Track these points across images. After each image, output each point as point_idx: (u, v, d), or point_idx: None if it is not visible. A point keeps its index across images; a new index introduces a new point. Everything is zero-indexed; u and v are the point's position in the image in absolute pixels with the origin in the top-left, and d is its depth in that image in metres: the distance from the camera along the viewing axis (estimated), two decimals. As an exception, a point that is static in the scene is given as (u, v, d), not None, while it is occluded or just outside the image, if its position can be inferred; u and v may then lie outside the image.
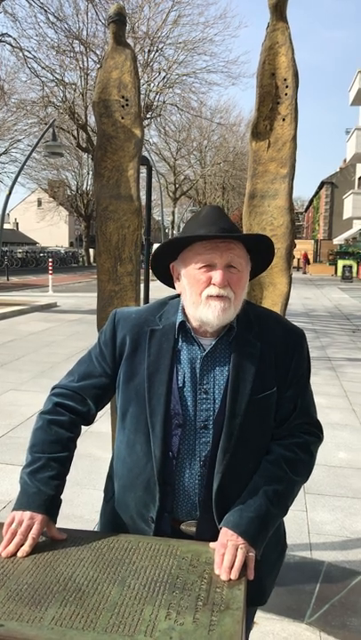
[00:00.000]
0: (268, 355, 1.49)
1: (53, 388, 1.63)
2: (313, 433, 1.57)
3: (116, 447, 1.63)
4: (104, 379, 1.58)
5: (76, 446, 1.58)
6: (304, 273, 40.30)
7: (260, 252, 1.51)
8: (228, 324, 1.47)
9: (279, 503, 1.46)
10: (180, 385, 1.48)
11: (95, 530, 1.66)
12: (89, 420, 1.62)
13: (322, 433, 1.60)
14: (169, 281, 1.58)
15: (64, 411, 1.56)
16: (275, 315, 1.62)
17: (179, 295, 1.55)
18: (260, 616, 2.53)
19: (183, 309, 1.51)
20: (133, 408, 1.52)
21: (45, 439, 1.52)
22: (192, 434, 1.47)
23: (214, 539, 1.42)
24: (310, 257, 49.21)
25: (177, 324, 1.51)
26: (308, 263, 42.52)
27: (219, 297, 1.40)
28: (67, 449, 1.54)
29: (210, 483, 1.46)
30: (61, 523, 1.48)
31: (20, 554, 1.34)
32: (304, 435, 1.54)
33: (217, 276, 1.39)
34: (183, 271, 1.47)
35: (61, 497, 1.50)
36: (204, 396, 1.47)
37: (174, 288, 1.56)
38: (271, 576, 1.62)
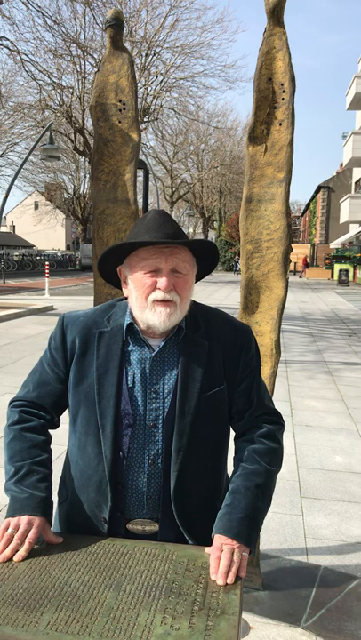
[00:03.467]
0: (217, 353, 1.53)
1: (11, 402, 1.63)
2: (274, 422, 1.60)
3: (68, 450, 1.64)
4: (58, 384, 1.59)
5: (51, 450, 1.59)
6: (300, 277, 40.39)
7: (205, 254, 1.55)
8: (175, 326, 1.49)
9: (263, 496, 1.48)
10: (130, 385, 1.50)
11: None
12: (54, 425, 1.64)
13: (282, 420, 1.63)
14: (116, 283, 1.61)
15: (31, 417, 1.58)
16: (221, 313, 1.66)
17: (127, 297, 1.57)
18: (256, 620, 2.52)
19: (131, 311, 1.53)
20: (84, 410, 1.53)
21: (23, 447, 1.52)
22: (141, 433, 1.49)
23: (178, 539, 1.45)
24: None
25: (125, 325, 1.53)
26: (308, 267, 42.61)
27: (164, 302, 1.43)
28: (45, 451, 1.55)
29: (166, 483, 1.48)
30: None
31: (16, 558, 1.34)
32: (266, 424, 1.57)
33: (162, 281, 1.42)
34: (130, 275, 1.49)
35: (52, 499, 1.50)
36: (154, 396, 1.49)
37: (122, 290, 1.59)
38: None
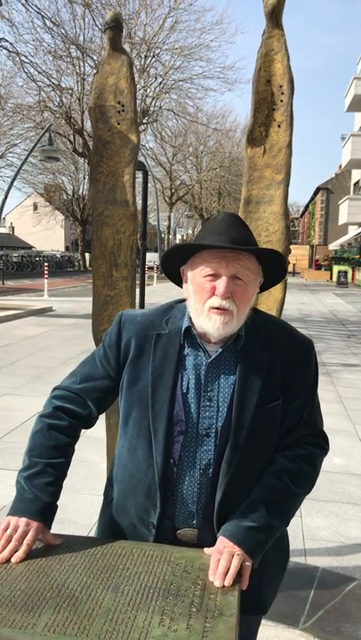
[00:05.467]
0: (275, 365, 1.47)
1: (54, 390, 1.61)
2: (318, 445, 1.54)
3: (117, 452, 1.61)
4: (107, 381, 1.56)
5: (74, 451, 1.57)
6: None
7: (270, 265, 1.48)
8: (234, 333, 1.45)
9: (279, 515, 1.44)
10: (184, 391, 1.46)
11: (91, 534, 1.65)
12: (90, 424, 1.60)
13: (328, 445, 1.57)
14: (179, 282, 1.56)
15: (64, 415, 1.55)
16: (283, 324, 1.59)
17: (185, 299, 1.52)
18: (254, 622, 2.52)
19: (189, 315, 1.49)
20: (136, 413, 1.50)
21: (44, 444, 1.51)
22: (193, 441, 1.45)
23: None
24: (306, 262, 49.37)
25: (183, 329, 1.49)
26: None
27: (220, 309, 1.38)
28: (65, 454, 1.53)
29: (212, 493, 1.45)
30: (55, 528, 1.48)
31: (13, 560, 1.33)
32: (309, 446, 1.52)
33: (221, 286, 1.38)
34: (190, 276, 1.46)
35: (57, 503, 1.49)
36: (208, 404, 1.45)
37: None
38: (273, 586, 1.60)
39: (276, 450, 1.50)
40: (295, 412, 1.49)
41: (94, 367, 1.59)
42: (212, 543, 1.42)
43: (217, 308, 1.38)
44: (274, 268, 1.50)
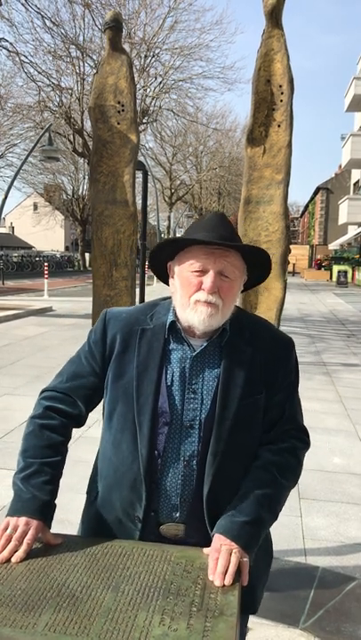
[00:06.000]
0: (258, 361, 1.51)
1: (42, 392, 1.63)
2: (301, 439, 1.58)
3: (101, 447, 1.62)
4: (93, 378, 1.58)
5: (67, 450, 1.58)
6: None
7: (256, 264, 1.53)
8: (219, 327, 1.49)
9: (270, 508, 1.46)
10: (169, 383, 1.49)
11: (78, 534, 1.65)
12: (80, 422, 1.62)
13: (309, 439, 1.62)
14: (165, 278, 1.60)
15: (55, 414, 1.57)
16: (265, 322, 1.65)
17: (170, 297, 1.57)
18: (254, 622, 2.52)
19: (174, 310, 1.53)
20: (121, 407, 1.52)
21: (37, 444, 1.52)
22: (178, 433, 1.48)
23: (203, 543, 1.42)
24: (306, 262, 49.37)
25: (167, 323, 1.53)
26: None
27: (206, 303, 1.42)
28: (59, 453, 1.54)
29: (198, 486, 1.47)
30: (55, 528, 1.48)
31: (14, 559, 1.34)
32: (292, 440, 1.56)
33: (207, 281, 1.42)
34: (177, 271, 1.49)
35: (55, 501, 1.49)
36: (192, 396, 1.48)
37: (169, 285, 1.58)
38: (261, 583, 1.62)
39: (260, 444, 1.54)
40: (277, 406, 1.54)
41: (80, 365, 1.61)
42: (200, 541, 1.44)
43: (204, 302, 1.42)
44: (258, 268, 1.55)
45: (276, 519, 1.50)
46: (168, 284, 1.58)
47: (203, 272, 1.43)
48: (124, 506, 1.52)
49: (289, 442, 1.55)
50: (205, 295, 1.42)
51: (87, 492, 1.67)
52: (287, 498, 1.54)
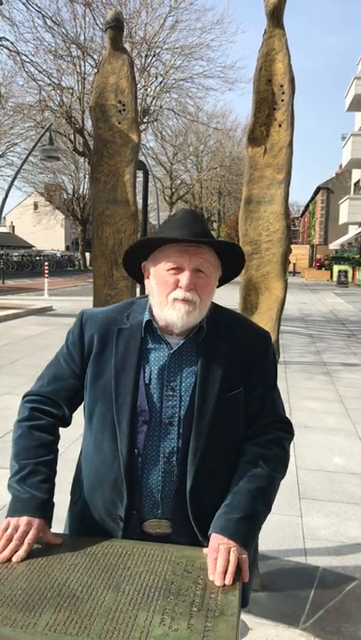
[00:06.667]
0: (235, 356, 1.52)
1: (25, 396, 1.64)
2: (284, 430, 1.60)
3: (83, 448, 1.63)
4: (73, 380, 1.59)
5: (58, 450, 1.59)
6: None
7: (230, 258, 1.55)
8: (196, 325, 1.50)
9: (264, 501, 1.47)
10: (147, 382, 1.50)
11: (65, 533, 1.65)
12: (66, 422, 1.63)
13: (292, 429, 1.63)
14: (140, 278, 1.61)
15: (41, 415, 1.58)
16: (240, 317, 1.67)
17: (146, 295, 1.57)
18: (254, 622, 2.52)
19: (150, 309, 1.53)
20: (100, 407, 1.53)
21: (29, 445, 1.53)
22: (157, 431, 1.49)
23: (190, 541, 1.44)
24: (306, 262, 49.35)
25: (144, 322, 1.53)
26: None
27: (184, 300, 1.43)
28: (51, 451, 1.55)
29: (180, 482, 1.48)
30: (55, 528, 1.48)
31: (14, 559, 1.34)
32: (276, 431, 1.57)
33: (184, 279, 1.43)
34: (153, 271, 1.50)
35: (54, 500, 1.49)
36: (171, 393, 1.49)
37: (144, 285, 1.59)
38: (250, 577, 1.63)
39: (244, 439, 1.55)
40: (257, 400, 1.55)
41: (60, 368, 1.61)
42: (187, 536, 1.46)
43: (181, 300, 1.43)
44: (232, 263, 1.56)
45: (270, 511, 1.51)
46: (143, 285, 1.59)
47: (179, 270, 1.44)
48: (106, 505, 1.53)
49: (273, 433, 1.56)
50: (183, 293, 1.43)
51: (71, 493, 1.68)
52: (278, 488, 1.55)
